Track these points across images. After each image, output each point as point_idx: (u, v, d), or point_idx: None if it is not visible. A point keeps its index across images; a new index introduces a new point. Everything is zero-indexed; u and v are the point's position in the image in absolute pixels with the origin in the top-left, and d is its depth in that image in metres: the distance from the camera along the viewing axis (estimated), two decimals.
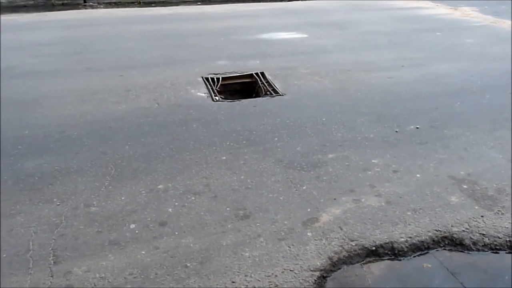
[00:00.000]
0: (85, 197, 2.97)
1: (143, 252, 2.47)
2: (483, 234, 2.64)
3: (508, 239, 2.61)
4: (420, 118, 4.20)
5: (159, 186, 3.10)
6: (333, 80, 5.26)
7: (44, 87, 4.97)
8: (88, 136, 3.82)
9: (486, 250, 2.57)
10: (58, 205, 2.88)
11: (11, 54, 6.20)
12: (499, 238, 2.62)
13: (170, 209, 2.85)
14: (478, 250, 2.58)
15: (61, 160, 3.43)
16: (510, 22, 8.64)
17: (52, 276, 2.29)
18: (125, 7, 10.33)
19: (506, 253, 2.56)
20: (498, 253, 2.56)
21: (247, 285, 2.25)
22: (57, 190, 3.04)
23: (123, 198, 2.96)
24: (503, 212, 2.83)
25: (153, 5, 10.49)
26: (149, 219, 2.75)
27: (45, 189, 3.05)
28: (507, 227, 2.69)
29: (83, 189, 3.05)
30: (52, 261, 2.40)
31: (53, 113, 4.29)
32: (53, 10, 9.74)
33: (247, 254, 2.46)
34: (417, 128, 4.00)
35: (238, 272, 2.34)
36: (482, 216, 2.78)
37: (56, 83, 5.11)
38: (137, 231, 2.64)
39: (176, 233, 2.63)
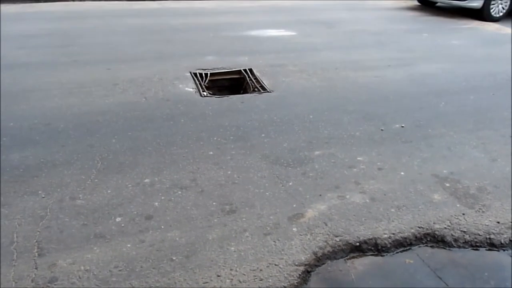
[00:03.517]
0: (71, 189, 2.95)
1: (129, 245, 2.47)
2: (464, 232, 2.70)
3: (488, 237, 2.67)
4: (405, 117, 4.25)
5: (146, 180, 3.10)
6: (321, 78, 5.30)
7: (30, 79, 4.91)
8: (74, 129, 3.80)
9: (466, 247, 2.63)
10: (43, 197, 2.86)
11: None
12: (480, 235, 2.68)
13: (156, 203, 2.85)
14: (459, 247, 2.63)
15: (46, 152, 3.40)
16: (495, 25, 8.79)
17: (36, 268, 2.29)
18: (113, 0, 10.23)
19: (486, 250, 2.62)
20: (478, 250, 2.62)
21: (232, 279, 2.27)
22: (43, 182, 3.02)
23: (109, 191, 2.96)
24: (483, 210, 2.89)
25: None
26: (135, 212, 2.75)
27: (30, 181, 3.03)
28: (487, 225, 2.75)
29: (68, 182, 3.03)
30: (36, 253, 2.39)
31: (39, 106, 4.25)
32: (40, 2, 9.60)
33: (232, 248, 2.48)
34: (402, 127, 4.06)
35: (223, 266, 2.36)
36: (463, 214, 2.84)
37: (42, 75, 5.06)
38: (123, 225, 2.64)
39: (162, 226, 2.63)
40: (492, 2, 9.16)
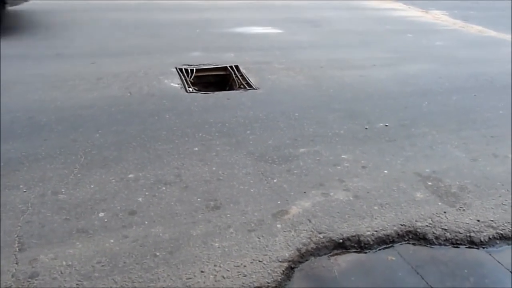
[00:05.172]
0: (53, 184, 2.91)
1: (112, 241, 2.45)
2: (445, 229, 2.74)
3: (468, 235, 2.72)
4: (389, 116, 4.30)
5: (130, 175, 3.07)
6: (307, 76, 5.32)
7: (12, 71, 4.82)
8: (57, 123, 3.74)
9: (447, 244, 2.68)
10: (25, 191, 2.82)
11: None
12: (460, 233, 2.73)
13: (140, 199, 2.83)
14: (440, 244, 2.68)
15: (28, 146, 3.35)
16: (477, 27, 8.92)
17: (17, 263, 2.25)
18: None
19: (466, 247, 2.67)
20: (458, 247, 2.67)
21: (215, 275, 2.27)
22: (24, 176, 2.98)
23: (92, 186, 2.92)
24: (464, 208, 2.94)
25: None
26: (119, 208, 2.73)
27: (11, 175, 2.98)
28: (467, 223, 2.80)
29: (51, 176, 2.99)
30: (17, 248, 2.35)
31: (21, 98, 4.18)
32: None
33: (216, 244, 2.48)
34: (386, 126, 4.10)
35: (207, 262, 2.35)
36: (445, 212, 2.89)
37: (25, 67, 4.98)
38: (106, 220, 2.61)
39: (146, 222, 2.62)
40: None
